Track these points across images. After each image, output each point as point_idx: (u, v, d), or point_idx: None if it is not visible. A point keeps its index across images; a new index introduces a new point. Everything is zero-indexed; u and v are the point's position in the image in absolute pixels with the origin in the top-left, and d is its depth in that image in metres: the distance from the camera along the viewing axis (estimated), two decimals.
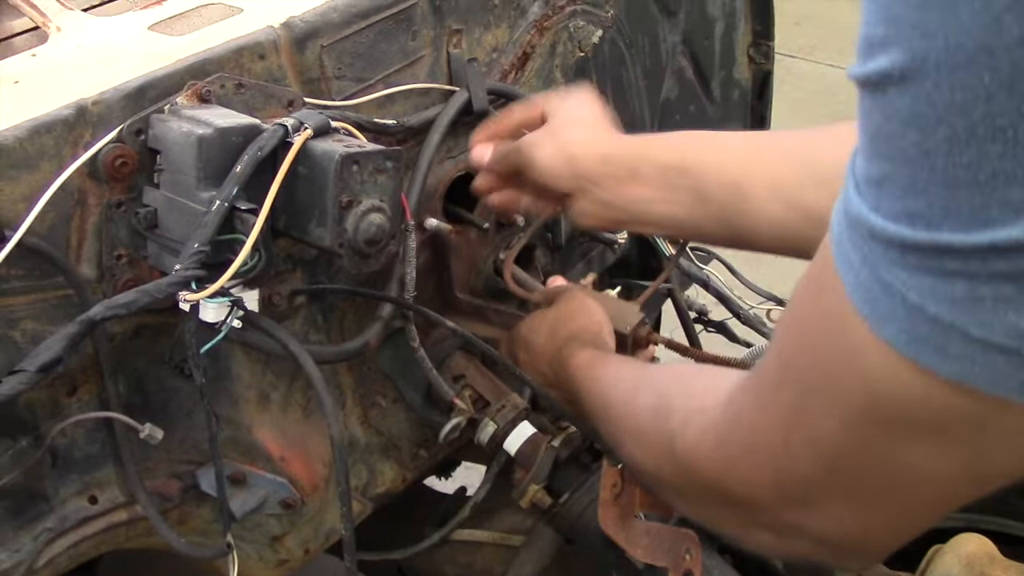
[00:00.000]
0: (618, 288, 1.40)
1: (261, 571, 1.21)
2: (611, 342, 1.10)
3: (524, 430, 1.22)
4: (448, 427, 1.20)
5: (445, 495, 1.59)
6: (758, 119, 1.72)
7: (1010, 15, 0.34)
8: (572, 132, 1.03)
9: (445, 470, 1.68)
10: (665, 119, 1.52)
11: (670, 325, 1.59)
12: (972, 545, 1.08)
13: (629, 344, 1.14)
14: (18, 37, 1.10)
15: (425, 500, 1.59)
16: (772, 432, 0.57)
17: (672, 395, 0.76)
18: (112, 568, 1.63)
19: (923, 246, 0.40)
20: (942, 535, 1.16)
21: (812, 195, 0.87)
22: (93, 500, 0.99)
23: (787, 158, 0.93)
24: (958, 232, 0.39)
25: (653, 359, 1.21)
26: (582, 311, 1.11)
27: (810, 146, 0.92)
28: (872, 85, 0.41)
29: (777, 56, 1.71)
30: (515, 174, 1.07)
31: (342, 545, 1.20)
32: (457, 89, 1.16)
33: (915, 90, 0.38)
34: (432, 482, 1.67)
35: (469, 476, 1.67)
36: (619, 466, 1.13)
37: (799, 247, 0.87)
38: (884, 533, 0.58)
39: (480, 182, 1.12)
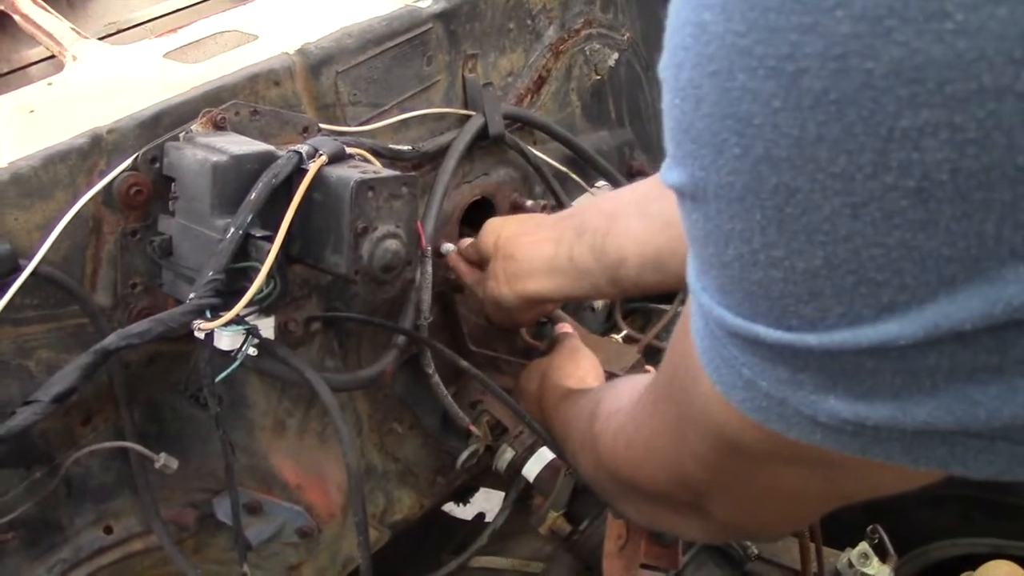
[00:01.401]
0: (624, 332, 1.40)
1: None
2: (597, 385, 1.11)
3: (543, 456, 1.21)
4: (466, 454, 1.19)
5: (464, 521, 1.57)
6: None
7: (765, 165, 0.35)
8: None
9: (463, 496, 1.66)
10: None
11: None
12: (1003, 571, 1.06)
13: None
14: (34, 66, 1.10)
15: (443, 526, 1.58)
16: (665, 439, 0.62)
17: (603, 400, 0.81)
18: None
19: (742, 333, 0.41)
20: (969, 560, 1.14)
21: (665, 203, 0.92)
22: (108, 530, 0.98)
23: (653, 180, 1.01)
24: (769, 328, 0.40)
25: None
26: (570, 358, 1.13)
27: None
28: (674, 192, 0.42)
29: None
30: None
31: (357, 573, 1.20)
32: (473, 114, 1.15)
33: (703, 210, 0.40)
34: (451, 508, 1.65)
35: (488, 502, 1.66)
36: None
37: (658, 262, 0.95)
38: (774, 524, 0.66)
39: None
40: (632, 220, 0.97)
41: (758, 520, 0.64)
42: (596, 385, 1.09)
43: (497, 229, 1.11)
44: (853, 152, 0.33)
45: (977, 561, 1.13)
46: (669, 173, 0.41)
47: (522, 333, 1.26)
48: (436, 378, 1.12)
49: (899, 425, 0.38)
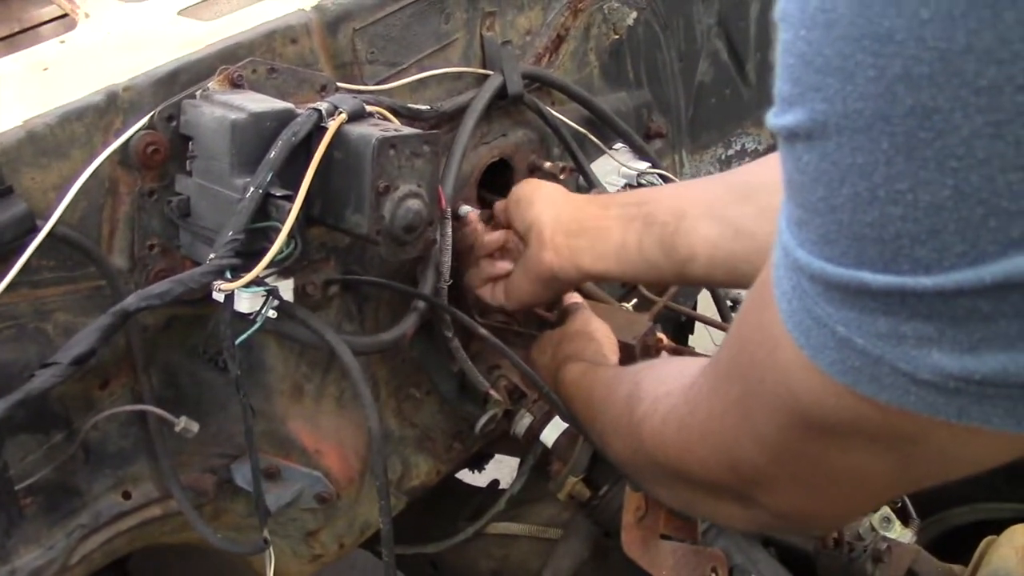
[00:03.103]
0: (634, 300, 1.39)
1: (295, 567, 1.20)
2: (612, 357, 1.10)
3: (561, 421, 1.20)
4: (484, 419, 1.18)
5: (478, 488, 1.57)
6: None
7: (902, 85, 0.34)
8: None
9: (478, 463, 1.66)
10: (700, 102, 1.49)
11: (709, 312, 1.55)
12: None
13: (638, 354, 1.14)
14: (46, 25, 1.08)
15: (458, 493, 1.57)
16: (723, 421, 0.60)
17: (644, 382, 0.79)
18: (143, 566, 1.63)
19: (843, 284, 0.40)
20: (990, 525, 1.14)
21: (738, 210, 0.93)
22: (127, 495, 0.97)
23: (723, 182, 1.02)
24: (875, 273, 0.39)
25: None
26: (583, 330, 1.13)
27: (745, 170, 1.01)
28: (783, 137, 0.41)
29: None
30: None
31: (375, 539, 1.19)
32: (491, 73, 1.13)
33: (820, 149, 0.39)
34: (464, 475, 1.65)
35: (500, 470, 1.65)
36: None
37: (730, 266, 0.95)
38: (833, 513, 0.63)
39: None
40: (702, 221, 0.97)
41: (813, 509, 0.61)
42: (613, 357, 1.08)
43: (556, 205, 1.08)
44: (1004, 63, 0.32)
45: (998, 526, 1.12)
46: (781, 117, 0.40)
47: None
48: (456, 342, 1.10)
49: (1009, 379, 0.37)
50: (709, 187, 1.03)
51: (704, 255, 0.96)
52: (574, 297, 1.26)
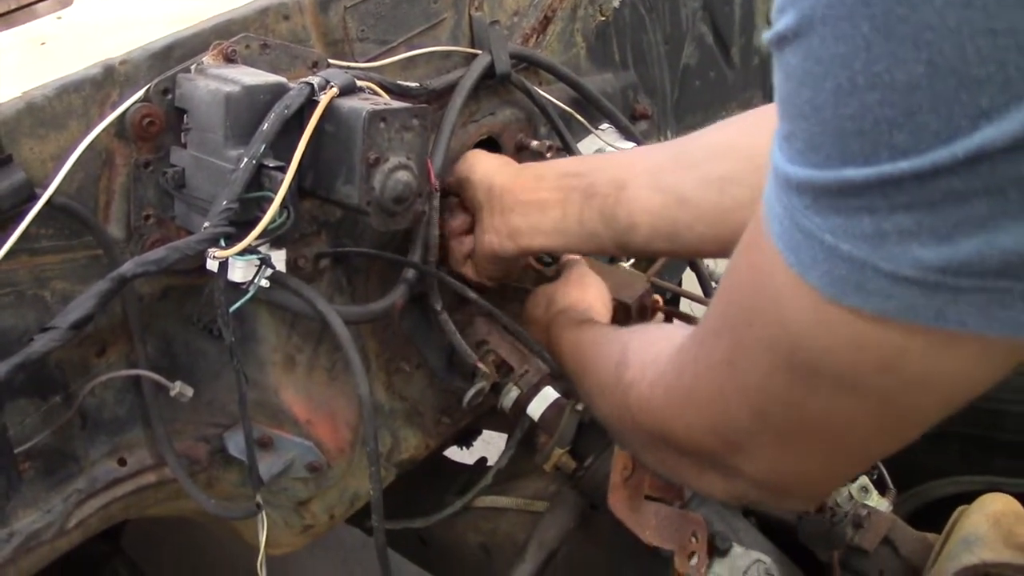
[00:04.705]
0: (631, 260, 1.41)
1: (287, 537, 1.22)
2: (605, 313, 1.11)
3: (548, 395, 1.22)
4: (472, 392, 1.20)
5: (466, 466, 1.59)
6: None
7: None
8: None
9: (466, 440, 1.68)
10: (685, 85, 1.51)
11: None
12: (999, 504, 1.08)
13: (634, 313, 1.16)
14: (42, 3, 1.10)
15: (446, 471, 1.59)
16: (710, 380, 0.61)
17: (632, 347, 0.80)
18: (136, 538, 1.65)
19: (829, 186, 0.43)
20: (967, 498, 1.16)
21: (681, 176, 0.94)
22: (122, 462, 0.99)
23: (665, 150, 1.04)
24: (857, 168, 0.41)
25: None
26: (577, 284, 1.13)
27: (688, 138, 1.01)
28: (775, 46, 0.44)
29: None
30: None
31: (365, 512, 1.21)
32: (479, 52, 1.15)
33: (805, 46, 0.41)
34: (453, 453, 1.67)
35: (488, 450, 1.67)
36: None
37: (671, 234, 0.95)
38: (814, 477, 0.62)
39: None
40: (644, 191, 0.98)
41: (795, 469, 0.61)
42: (606, 314, 1.10)
43: (489, 177, 1.09)
44: None
45: (974, 498, 1.15)
46: (774, 27, 0.43)
47: (529, 259, 1.26)
48: (445, 315, 1.13)
49: (984, 263, 0.40)
50: (651, 155, 1.04)
51: (646, 224, 0.97)
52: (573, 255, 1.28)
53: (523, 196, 1.06)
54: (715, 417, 0.62)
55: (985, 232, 0.39)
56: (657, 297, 1.22)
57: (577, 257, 1.22)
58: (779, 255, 0.48)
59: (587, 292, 1.12)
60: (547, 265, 1.26)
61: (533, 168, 1.11)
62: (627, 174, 1.00)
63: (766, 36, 0.45)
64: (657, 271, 1.40)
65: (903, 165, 0.40)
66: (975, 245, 0.40)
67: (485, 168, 1.11)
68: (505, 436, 1.42)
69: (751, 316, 0.54)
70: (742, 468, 0.63)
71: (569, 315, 1.06)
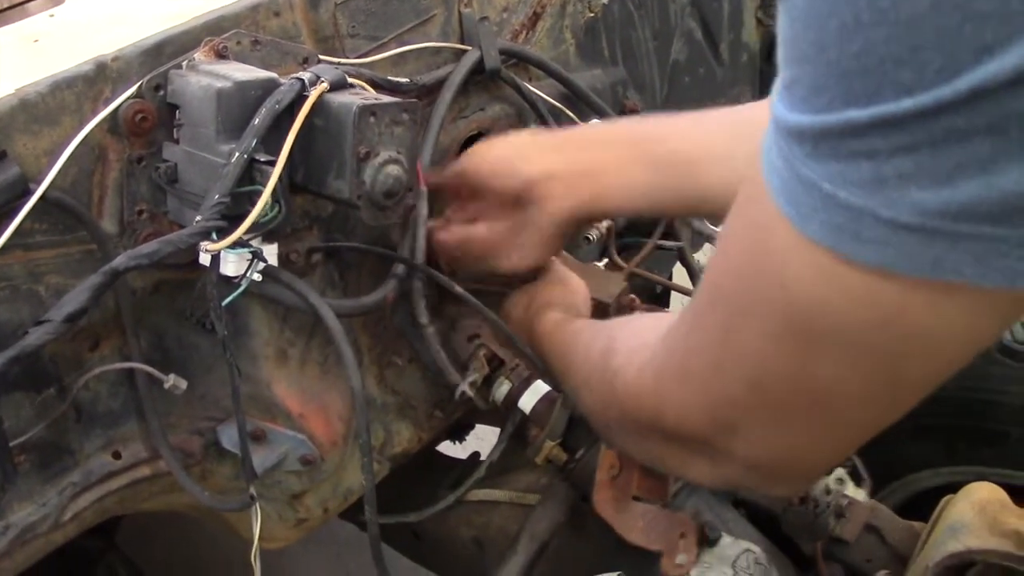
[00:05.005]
0: (605, 260, 1.42)
1: (281, 531, 1.22)
2: (586, 310, 1.12)
3: (539, 388, 1.24)
4: (463, 386, 1.21)
5: (459, 460, 1.60)
6: (768, 83, 1.72)
7: None
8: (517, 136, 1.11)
9: (459, 434, 1.69)
10: (674, 81, 1.53)
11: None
12: (984, 492, 1.10)
13: (612, 313, 1.16)
14: (33, 3, 1.11)
15: (439, 466, 1.60)
16: (703, 354, 0.60)
17: (619, 336, 0.79)
18: (131, 534, 1.66)
19: (829, 130, 0.43)
20: (953, 488, 1.18)
21: (744, 148, 0.95)
22: (117, 455, 1.00)
23: (723, 121, 1.02)
24: (860, 109, 0.42)
25: None
26: (557, 281, 1.14)
27: (741, 109, 1.02)
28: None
29: None
30: (468, 194, 1.12)
31: (358, 507, 1.21)
32: (469, 48, 1.16)
33: None
34: (446, 448, 1.68)
35: (481, 445, 1.68)
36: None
37: None
38: (807, 456, 0.61)
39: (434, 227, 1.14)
40: (715, 165, 0.98)
41: (788, 445, 0.60)
42: (586, 312, 1.11)
43: (545, 153, 1.07)
44: None
45: (959, 489, 1.16)
46: None
47: None
48: (431, 328, 1.13)
49: (983, 206, 0.40)
50: (712, 128, 1.03)
51: (721, 196, 0.97)
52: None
53: (591, 165, 1.06)
54: (709, 395, 0.61)
55: (985, 174, 0.40)
56: (633, 296, 1.22)
57: (554, 258, 1.22)
58: (778, 210, 0.48)
59: (566, 287, 1.12)
60: None
61: (592, 135, 1.12)
62: (693, 147, 1.00)
63: None
64: (640, 262, 1.41)
65: (906, 103, 0.40)
66: (975, 187, 0.40)
67: (532, 147, 1.10)
68: (497, 431, 1.44)
69: (748, 281, 0.54)
70: (734, 450, 0.62)
71: (552, 312, 1.07)
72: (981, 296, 0.45)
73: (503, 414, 1.33)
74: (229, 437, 1.05)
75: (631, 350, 0.75)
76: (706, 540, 1.13)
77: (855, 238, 0.45)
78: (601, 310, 1.15)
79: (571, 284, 1.14)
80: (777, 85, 0.47)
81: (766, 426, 0.59)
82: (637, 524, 1.15)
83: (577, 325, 1.00)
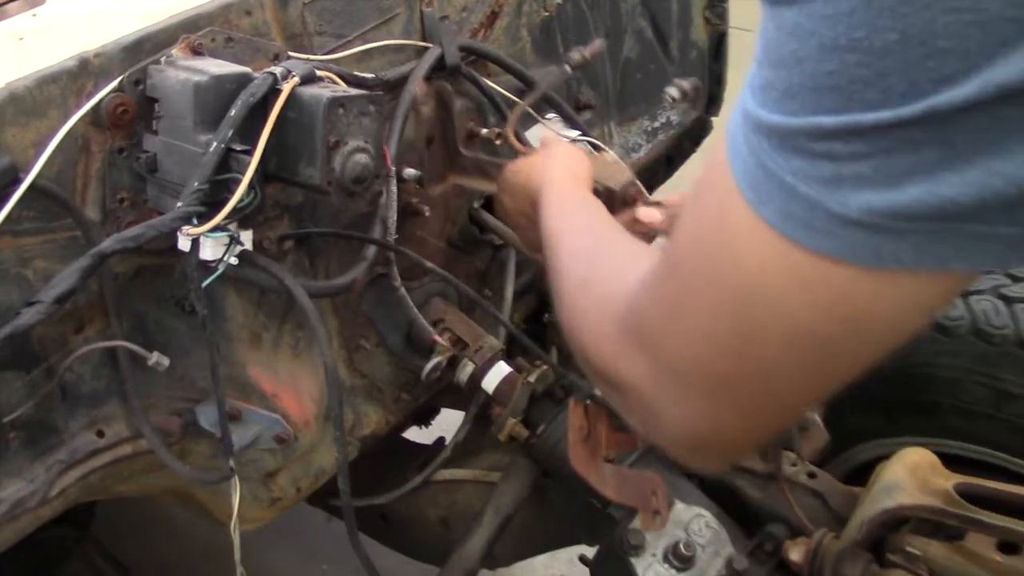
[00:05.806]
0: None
1: (255, 511, 1.27)
2: (590, 183, 1.10)
3: (501, 369, 1.30)
4: (430, 366, 1.27)
5: (425, 446, 1.65)
6: (716, 80, 1.80)
7: None
8: None
9: (424, 418, 1.74)
10: (627, 77, 1.60)
11: None
12: (916, 456, 1.18)
13: (617, 202, 1.16)
14: (12, 4, 1.16)
15: (406, 451, 1.65)
16: (656, 321, 0.62)
17: (592, 275, 0.79)
18: (105, 523, 1.70)
19: (797, 131, 0.48)
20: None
21: None
22: (100, 434, 1.05)
23: None
24: (829, 116, 0.47)
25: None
26: (565, 154, 1.13)
27: None
28: (770, 3, 0.49)
29: (737, 31, 1.78)
30: None
31: (328, 490, 1.26)
32: (430, 46, 1.22)
33: (799, 7, 0.47)
34: (412, 433, 1.73)
35: (445, 431, 1.73)
36: (586, 402, 1.22)
37: None
38: (736, 431, 0.62)
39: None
40: None
41: (719, 423, 0.61)
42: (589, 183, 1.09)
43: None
44: None
45: None
46: None
47: (510, 136, 1.28)
48: (403, 291, 1.20)
49: (923, 209, 0.46)
50: None
51: None
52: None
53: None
54: (657, 362, 0.62)
55: (930, 180, 0.45)
56: (640, 188, 1.20)
57: (557, 136, 1.24)
58: (738, 192, 0.52)
59: (573, 160, 1.11)
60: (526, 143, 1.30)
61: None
62: None
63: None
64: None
65: (869, 117, 0.45)
66: (919, 192, 0.46)
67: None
68: (461, 415, 1.49)
69: (704, 259, 0.56)
70: (663, 420, 0.63)
71: (564, 182, 1.04)
72: (918, 281, 0.50)
73: (467, 394, 1.39)
74: (207, 417, 1.10)
75: (602, 297, 0.75)
76: None
77: (807, 226, 0.49)
78: (607, 197, 1.13)
79: (577, 157, 1.13)
80: (752, 81, 0.52)
81: (700, 399, 0.60)
82: (611, 482, 1.21)
83: (570, 207, 0.98)
